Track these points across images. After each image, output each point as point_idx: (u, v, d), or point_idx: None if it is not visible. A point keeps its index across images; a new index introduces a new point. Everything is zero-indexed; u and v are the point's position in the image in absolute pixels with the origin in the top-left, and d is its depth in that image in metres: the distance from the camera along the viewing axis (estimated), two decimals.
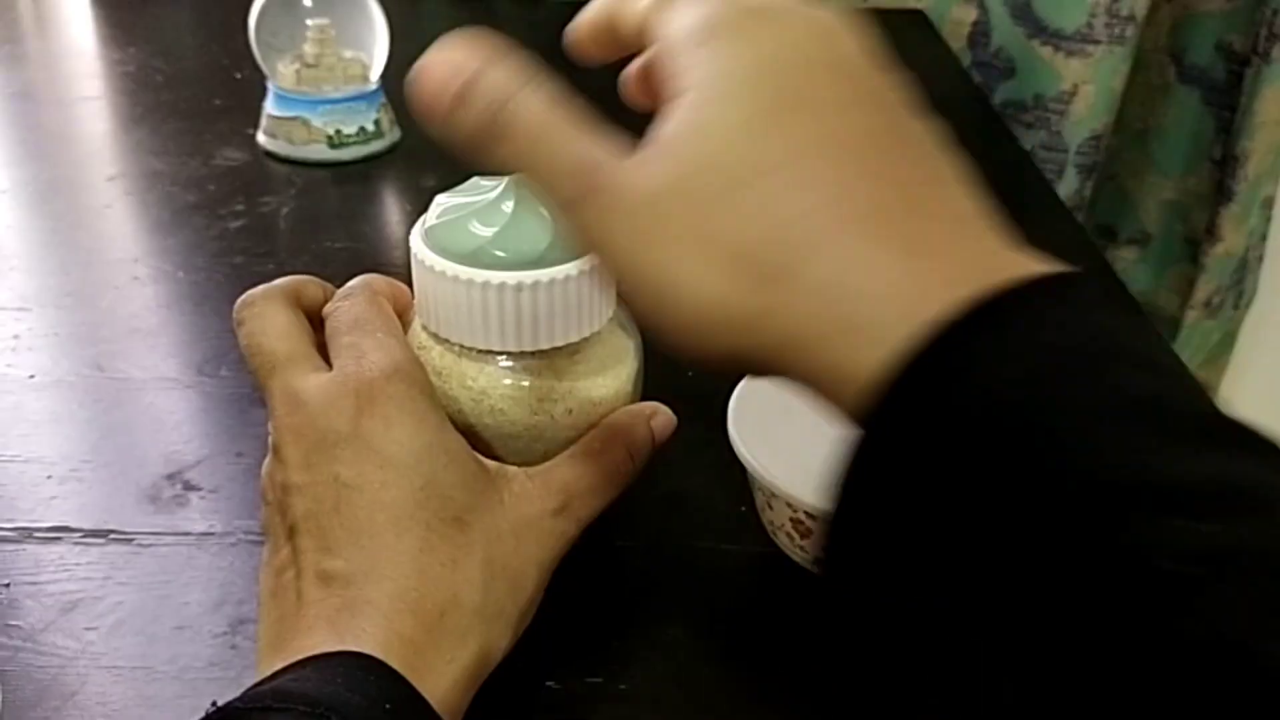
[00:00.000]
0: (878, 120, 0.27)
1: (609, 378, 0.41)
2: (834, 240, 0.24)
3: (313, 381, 0.35)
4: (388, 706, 0.29)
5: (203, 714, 0.29)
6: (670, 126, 0.26)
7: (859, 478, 0.23)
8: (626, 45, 0.34)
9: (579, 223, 0.27)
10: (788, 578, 0.43)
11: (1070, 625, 0.20)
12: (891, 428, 0.23)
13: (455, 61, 0.28)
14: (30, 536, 0.44)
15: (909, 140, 0.28)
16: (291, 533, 0.34)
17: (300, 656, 0.31)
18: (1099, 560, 0.20)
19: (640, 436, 0.40)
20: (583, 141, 0.27)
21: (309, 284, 0.40)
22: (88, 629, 0.40)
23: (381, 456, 0.33)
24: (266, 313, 0.38)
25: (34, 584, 0.42)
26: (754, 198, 0.25)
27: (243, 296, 0.39)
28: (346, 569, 0.32)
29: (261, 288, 0.39)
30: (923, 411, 0.22)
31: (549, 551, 0.36)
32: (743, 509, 0.45)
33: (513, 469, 0.37)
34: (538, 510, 0.36)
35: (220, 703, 0.29)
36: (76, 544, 0.44)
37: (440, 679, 0.32)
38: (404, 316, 0.40)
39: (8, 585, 0.42)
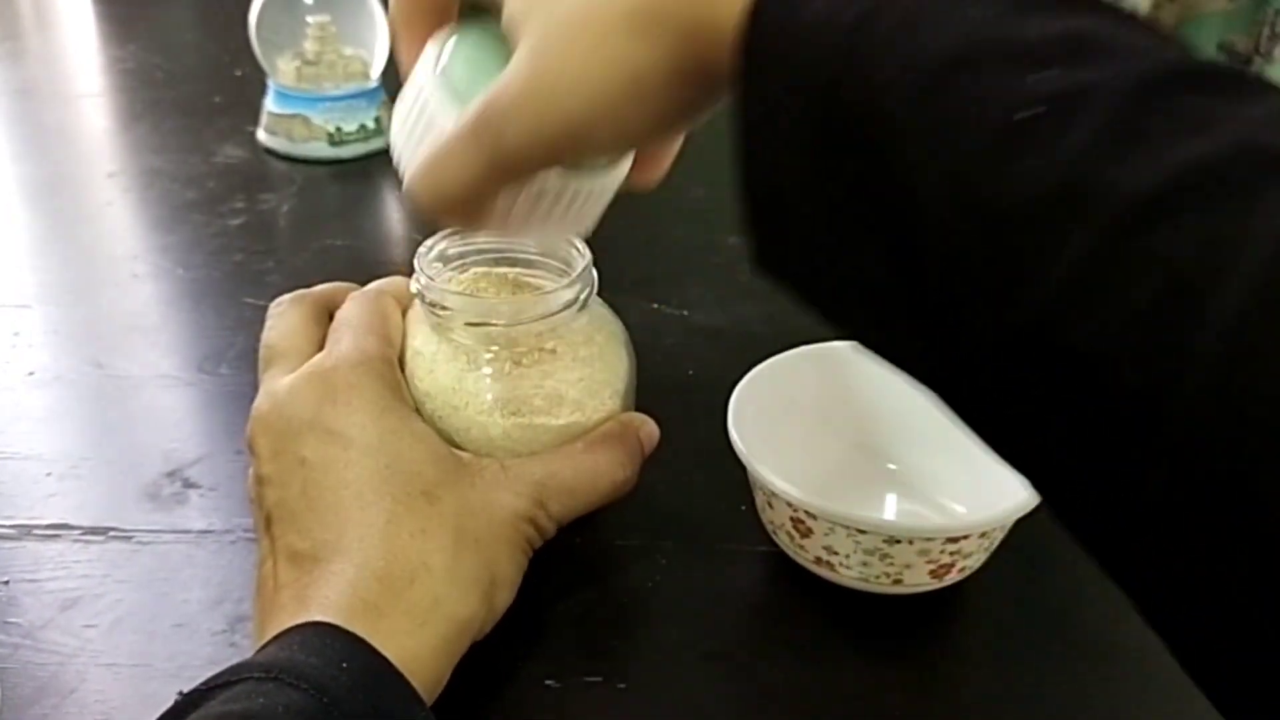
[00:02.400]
0: None
1: (595, 386, 0.42)
2: None
3: (291, 376, 0.37)
4: (344, 665, 0.29)
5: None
6: None
7: (744, 129, 0.24)
8: None
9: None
10: (787, 577, 0.43)
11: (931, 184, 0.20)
12: (746, 73, 0.24)
13: None
14: (29, 533, 0.44)
15: None
16: (268, 522, 0.35)
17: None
18: (951, 116, 0.20)
19: (629, 446, 0.40)
20: None
21: (344, 290, 0.42)
22: (87, 626, 0.40)
23: (344, 439, 0.35)
24: (287, 314, 0.40)
25: (33, 581, 0.42)
26: None
27: (280, 298, 0.41)
28: (314, 547, 0.33)
29: (298, 292, 0.41)
30: (766, 49, 0.23)
31: (520, 538, 0.37)
32: (742, 508, 0.45)
33: (486, 460, 0.38)
34: (509, 497, 0.37)
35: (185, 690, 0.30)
36: (76, 541, 0.44)
37: (411, 641, 0.32)
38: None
39: (7, 582, 0.42)
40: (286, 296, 0.41)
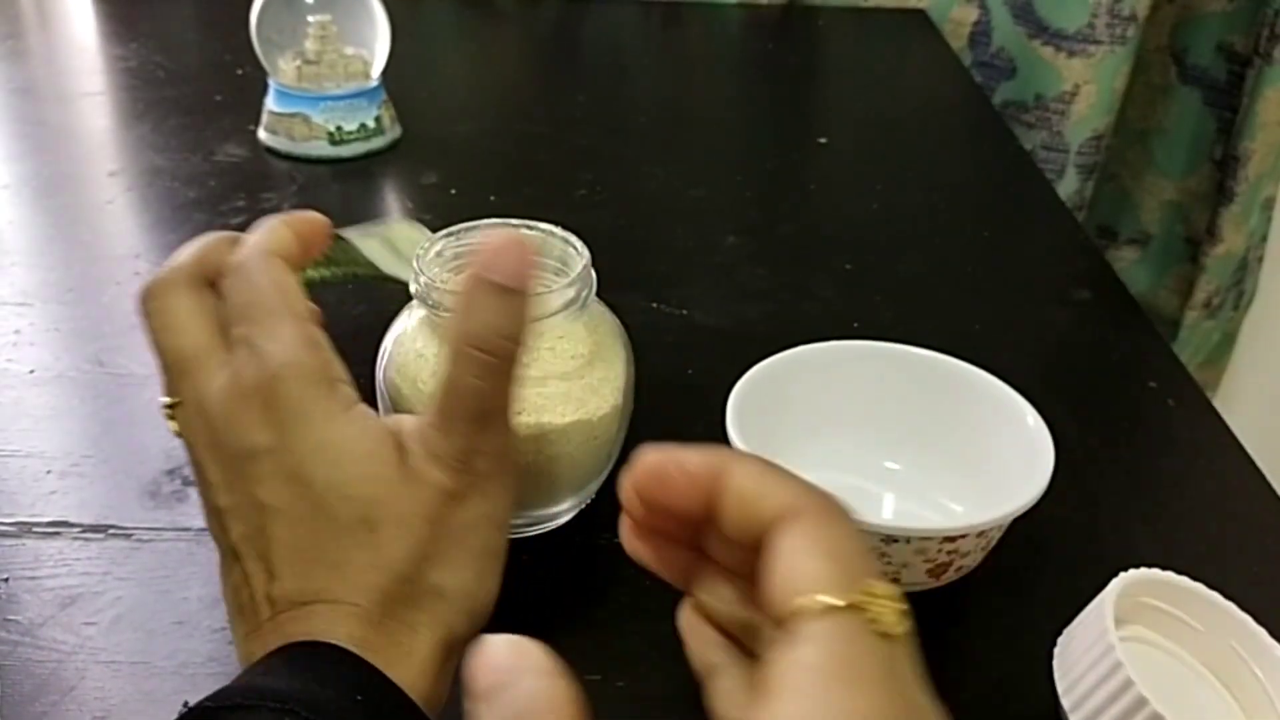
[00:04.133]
0: None
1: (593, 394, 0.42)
2: None
3: (215, 388, 0.33)
4: (359, 698, 0.29)
5: (177, 714, 0.29)
6: None
7: None
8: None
9: None
10: None
11: None
12: None
13: (497, 652, 0.26)
14: (29, 531, 0.45)
15: None
16: (236, 555, 0.34)
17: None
18: None
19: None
20: None
21: (217, 247, 0.36)
22: (86, 624, 0.40)
23: (286, 470, 0.32)
24: (168, 306, 0.35)
25: (33, 579, 0.42)
26: None
27: (143, 284, 0.36)
28: (291, 590, 0.32)
29: (163, 270, 0.36)
30: None
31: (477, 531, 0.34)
32: None
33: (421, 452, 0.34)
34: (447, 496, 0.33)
35: (192, 702, 0.29)
36: (76, 539, 0.44)
37: (405, 670, 0.32)
38: (315, 249, 0.39)
39: (6, 580, 0.42)
40: (154, 280, 0.35)
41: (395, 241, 0.43)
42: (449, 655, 0.34)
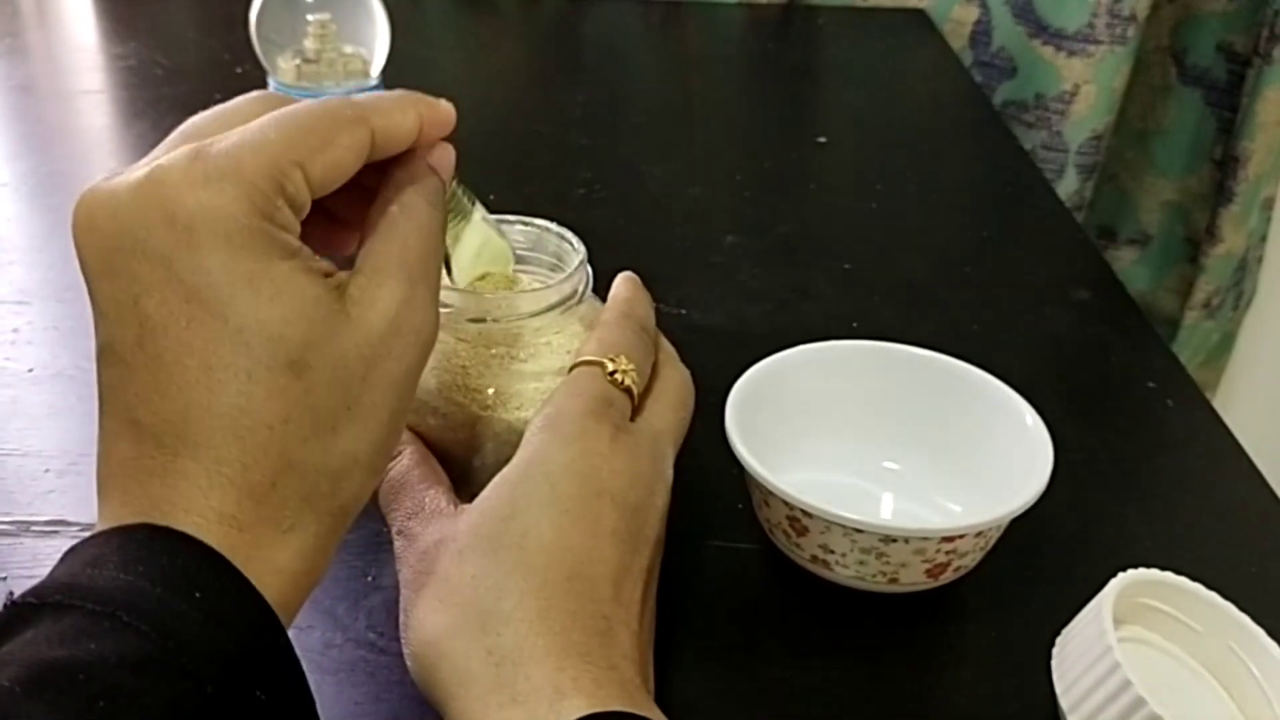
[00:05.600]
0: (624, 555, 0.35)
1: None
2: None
3: (133, 177, 0.29)
4: (197, 595, 0.26)
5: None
6: (483, 497, 0.36)
7: None
8: None
9: (397, 553, 0.37)
10: (784, 575, 0.43)
11: None
12: None
13: None
14: (28, 530, 0.45)
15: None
16: (99, 358, 0.30)
17: (106, 525, 0.28)
18: None
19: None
20: (417, 502, 0.38)
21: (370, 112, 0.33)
22: None
23: (186, 289, 0.28)
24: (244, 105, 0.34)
25: (32, 578, 0.42)
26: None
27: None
28: (155, 423, 0.28)
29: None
30: None
31: (402, 363, 0.31)
32: (739, 506, 0.46)
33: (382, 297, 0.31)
34: (387, 322, 0.30)
35: (16, 595, 0.26)
36: (74, 538, 0.44)
37: (279, 550, 0.28)
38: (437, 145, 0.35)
39: (5, 579, 0.42)
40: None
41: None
42: (341, 525, 0.31)
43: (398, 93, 0.35)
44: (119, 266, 0.28)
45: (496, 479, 0.35)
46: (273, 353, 0.28)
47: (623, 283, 0.43)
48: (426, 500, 0.37)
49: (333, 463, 0.29)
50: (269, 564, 0.28)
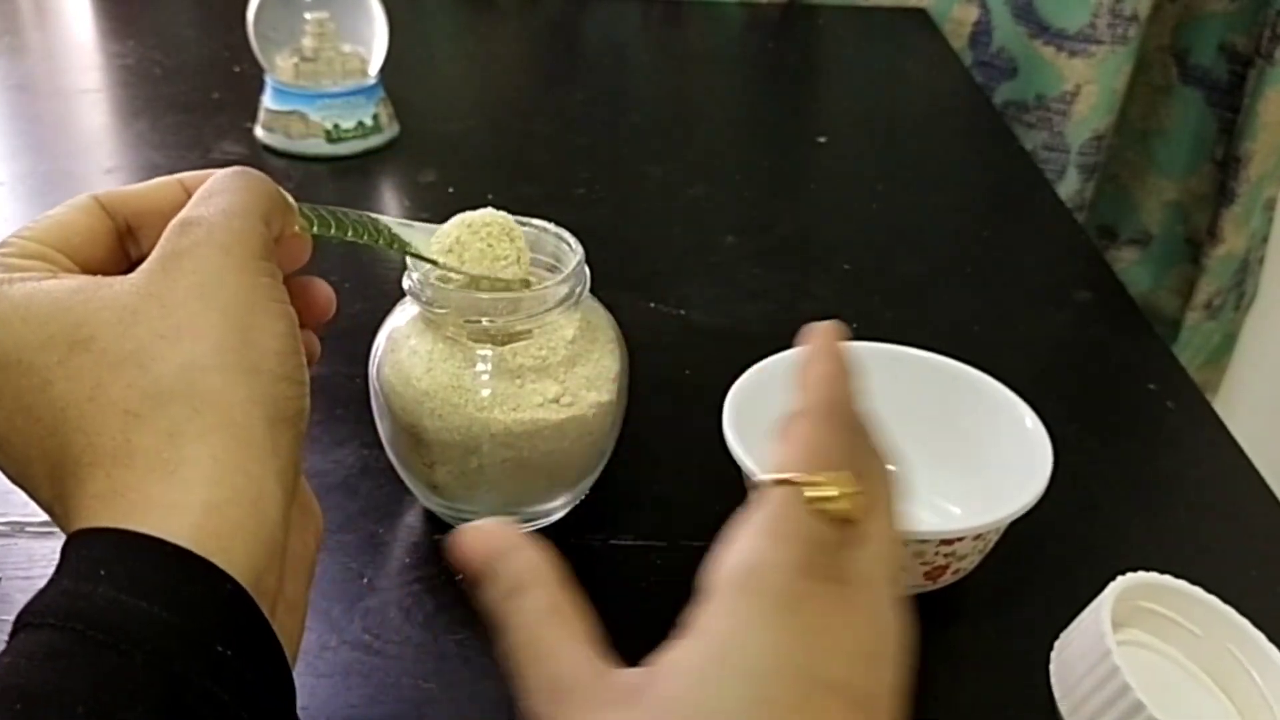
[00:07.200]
0: None
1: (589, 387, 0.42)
2: None
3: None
4: (102, 574, 0.24)
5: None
6: (662, 684, 0.26)
7: None
8: None
9: None
10: None
11: None
12: None
13: (486, 535, 0.29)
14: (23, 531, 0.44)
15: None
16: None
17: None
18: None
19: None
20: (563, 661, 0.28)
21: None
22: None
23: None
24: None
25: (26, 578, 0.42)
26: None
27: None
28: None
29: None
30: None
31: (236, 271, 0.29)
32: (737, 508, 0.45)
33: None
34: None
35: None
36: None
37: (172, 489, 0.26)
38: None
39: (0, 580, 0.42)
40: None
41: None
42: (252, 441, 0.27)
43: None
44: None
45: (676, 656, 0.27)
46: (61, 330, 0.27)
47: (819, 355, 0.32)
48: (565, 671, 0.28)
49: (170, 386, 0.27)
50: (163, 505, 0.25)
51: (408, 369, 0.41)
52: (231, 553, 0.25)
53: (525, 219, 0.43)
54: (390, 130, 0.80)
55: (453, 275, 0.40)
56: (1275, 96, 0.94)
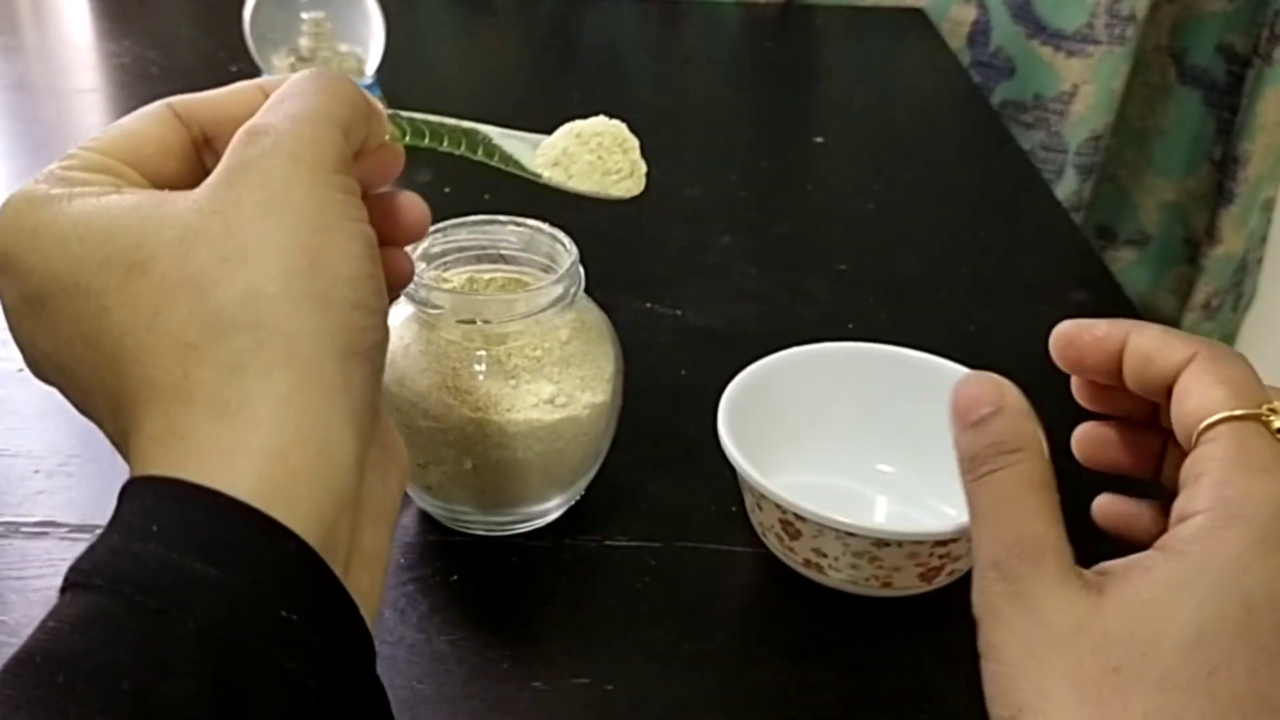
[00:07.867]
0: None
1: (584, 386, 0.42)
2: None
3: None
4: (153, 529, 0.23)
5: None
6: (1135, 581, 0.27)
7: None
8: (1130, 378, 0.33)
9: (982, 588, 0.28)
10: (776, 578, 0.43)
11: None
12: None
13: (992, 385, 0.30)
14: (17, 531, 0.44)
15: None
16: None
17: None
18: None
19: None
20: (1036, 525, 0.28)
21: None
22: None
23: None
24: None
25: (20, 579, 0.42)
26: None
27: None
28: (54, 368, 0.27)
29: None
30: None
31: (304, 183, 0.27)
32: (732, 509, 0.45)
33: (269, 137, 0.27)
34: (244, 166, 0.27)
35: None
36: (63, 539, 0.44)
37: (235, 432, 0.24)
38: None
39: None
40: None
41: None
42: (324, 375, 0.25)
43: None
44: None
45: (1149, 563, 0.27)
46: (120, 255, 0.25)
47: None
48: (1038, 533, 0.28)
49: (233, 315, 0.24)
50: (222, 450, 0.23)
51: (402, 369, 0.41)
52: (297, 504, 0.23)
53: (520, 219, 0.43)
54: None
55: (557, 185, 0.36)
56: (1273, 97, 0.94)
